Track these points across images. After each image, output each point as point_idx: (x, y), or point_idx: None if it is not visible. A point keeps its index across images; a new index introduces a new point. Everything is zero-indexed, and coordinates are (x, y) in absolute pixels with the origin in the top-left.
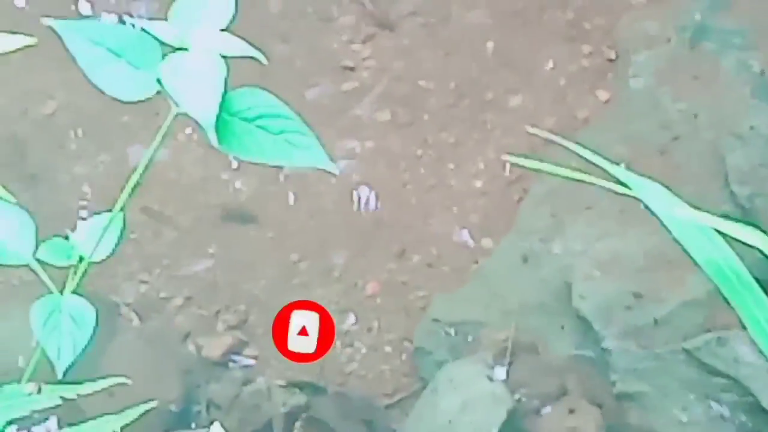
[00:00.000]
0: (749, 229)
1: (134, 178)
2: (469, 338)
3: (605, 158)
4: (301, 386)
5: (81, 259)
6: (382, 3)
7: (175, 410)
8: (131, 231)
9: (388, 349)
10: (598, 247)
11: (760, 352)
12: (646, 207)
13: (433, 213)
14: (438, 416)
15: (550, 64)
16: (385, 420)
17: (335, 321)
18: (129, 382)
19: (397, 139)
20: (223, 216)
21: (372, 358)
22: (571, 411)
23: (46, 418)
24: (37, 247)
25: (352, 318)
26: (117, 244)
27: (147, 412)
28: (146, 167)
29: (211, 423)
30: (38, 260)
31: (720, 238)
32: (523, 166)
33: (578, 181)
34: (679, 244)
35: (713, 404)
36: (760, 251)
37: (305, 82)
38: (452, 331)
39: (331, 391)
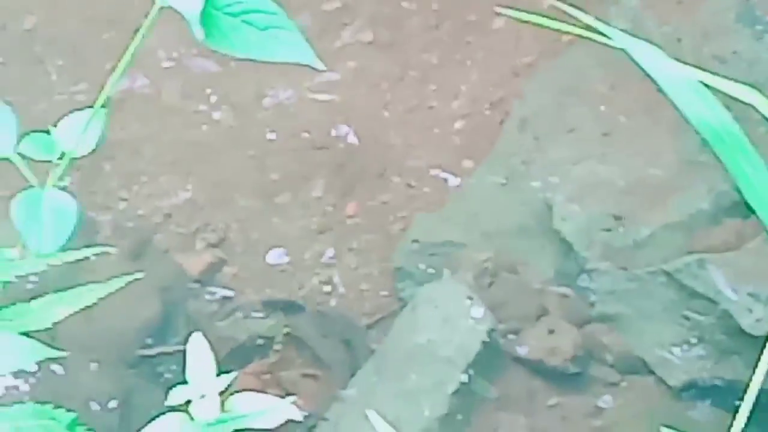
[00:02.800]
0: (745, 87)
1: (117, 72)
2: (450, 259)
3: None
4: (279, 305)
5: (63, 154)
6: None
7: (154, 326)
8: (110, 151)
9: (367, 269)
10: (579, 170)
11: (739, 274)
12: (636, 63)
13: (414, 134)
14: (417, 335)
15: None
16: (365, 339)
17: (316, 240)
18: (113, 251)
19: (379, 60)
20: (202, 137)
21: (351, 278)
22: (551, 331)
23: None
24: (18, 142)
25: (331, 237)
26: (99, 141)
27: (130, 283)
28: (128, 62)
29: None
30: (20, 154)
31: (712, 96)
32: (510, 17)
33: (566, 33)
34: (670, 102)
35: (692, 325)
36: (756, 109)
37: (287, 2)
38: (429, 269)
39: (310, 311)
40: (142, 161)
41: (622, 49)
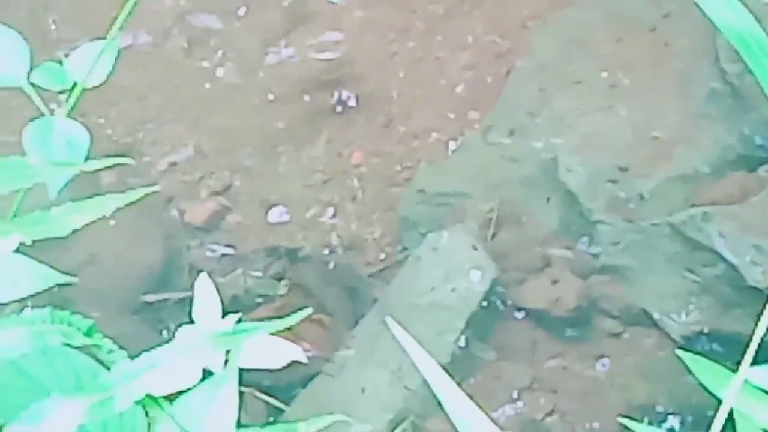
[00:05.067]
0: None
1: (128, 5)
2: (454, 209)
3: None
4: (283, 252)
5: (75, 84)
6: None
7: (157, 273)
8: (115, 97)
9: (371, 218)
10: (585, 122)
11: (744, 227)
12: None
13: (420, 84)
14: (420, 285)
15: None
16: (368, 288)
17: (320, 190)
18: (131, 162)
19: (385, 10)
20: (205, 91)
21: (356, 227)
22: (554, 282)
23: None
24: (30, 71)
25: (336, 186)
26: (110, 72)
27: (147, 195)
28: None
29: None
30: (32, 84)
31: (740, 5)
32: None
33: None
34: (701, 10)
35: (696, 278)
36: None
37: None
38: (434, 219)
39: (313, 258)
40: (148, 109)
41: None
